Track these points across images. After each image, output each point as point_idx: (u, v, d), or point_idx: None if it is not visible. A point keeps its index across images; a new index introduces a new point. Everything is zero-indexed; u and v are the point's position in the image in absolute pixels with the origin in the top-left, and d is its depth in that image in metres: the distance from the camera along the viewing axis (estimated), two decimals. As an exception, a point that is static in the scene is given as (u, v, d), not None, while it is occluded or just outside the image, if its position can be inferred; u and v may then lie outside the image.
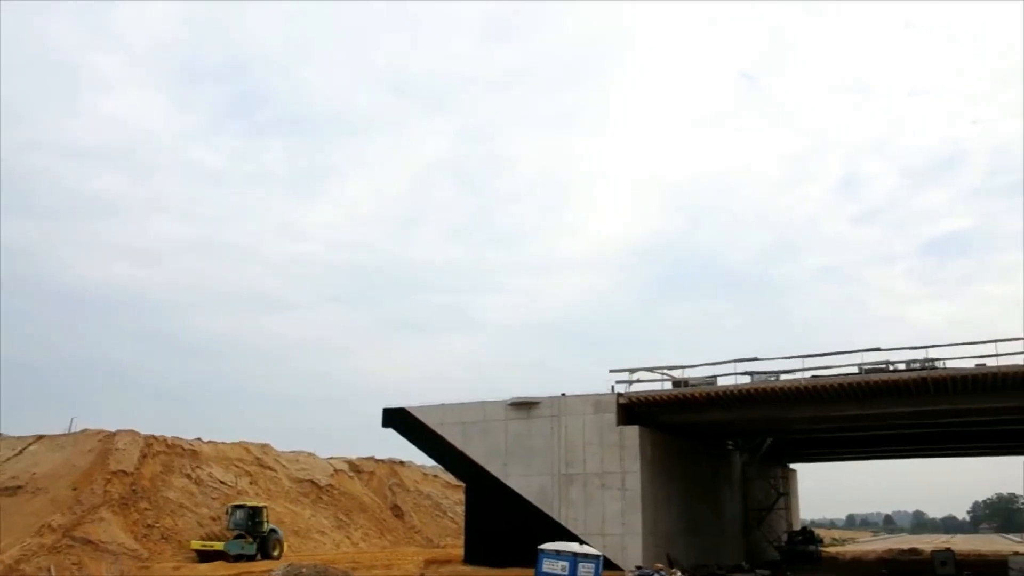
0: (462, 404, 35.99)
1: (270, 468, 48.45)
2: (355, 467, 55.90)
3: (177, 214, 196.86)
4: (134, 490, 38.64)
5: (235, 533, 35.90)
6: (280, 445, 52.05)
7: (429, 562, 35.80)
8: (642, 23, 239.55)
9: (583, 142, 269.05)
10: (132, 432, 41.73)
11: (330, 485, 51.14)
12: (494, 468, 34.82)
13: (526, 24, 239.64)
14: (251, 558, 35.23)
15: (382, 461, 58.37)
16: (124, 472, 39.04)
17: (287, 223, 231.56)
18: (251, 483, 45.77)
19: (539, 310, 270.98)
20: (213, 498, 42.17)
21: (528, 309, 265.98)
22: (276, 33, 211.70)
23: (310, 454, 53.69)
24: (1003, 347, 29.32)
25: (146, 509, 38.21)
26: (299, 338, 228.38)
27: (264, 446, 50.20)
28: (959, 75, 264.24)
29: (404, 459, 60.09)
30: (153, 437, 42.52)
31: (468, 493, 37.20)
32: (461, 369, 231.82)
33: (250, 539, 36.04)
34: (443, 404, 36.27)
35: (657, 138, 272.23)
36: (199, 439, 45.92)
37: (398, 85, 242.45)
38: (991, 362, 29.50)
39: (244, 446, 48.52)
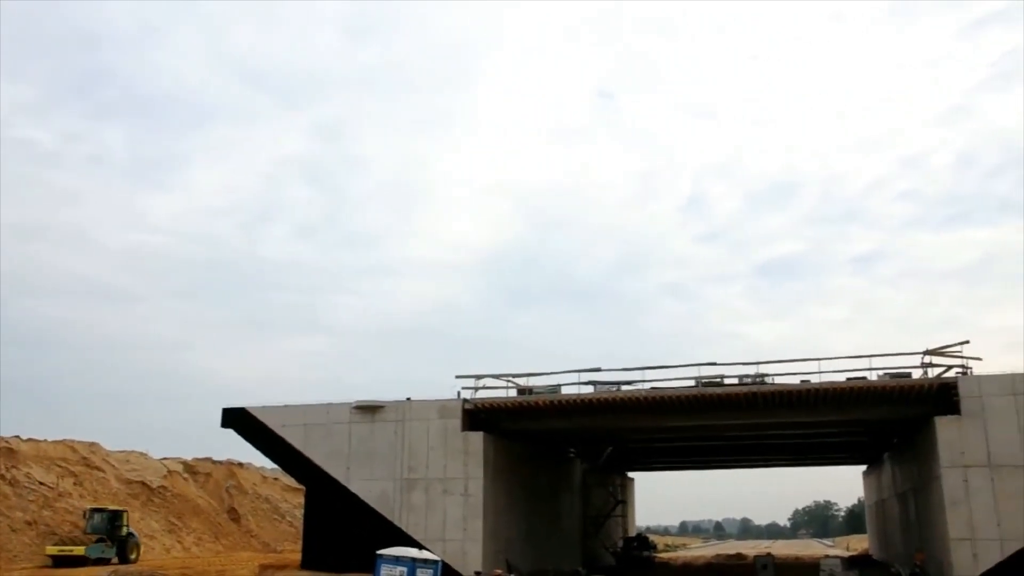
0: (305, 406, 35.23)
1: (97, 468, 45.89)
2: (190, 468, 53.73)
3: (3, 196, 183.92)
4: (-63, 492, 35.76)
5: (96, 537, 35.41)
6: (111, 444, 49.56)
7: (265, 567, 34.82)
8: (506, 33, 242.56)
9: (440, 146, 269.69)
10: (-61, 428, 38.61)
11: (162, 487, 48.92)
12: (336, 472, 34.25)
13: (388, 24, 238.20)
14: (108, 562, 34.60)
15: (219, 462, 56.33)
16: (-74, 472, 36.08)
17: (129, 212, 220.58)
18: (75, 484, 43.18)
19: (390, 313, 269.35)
20: (30, 500, 39.52)
21: (379, 312, 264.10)
22: (125, 10, 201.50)
23: (142, 454, 51.24)
24: (825, 365, 31.37)
25: (-50, 513, 35.43)
26: (138, 332, 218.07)
27: (92, 445, 47.48)
28: (799, 108, 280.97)
29: (244, 460, 58.32)
30: (-36, 434, 39.47)
31: (308, 497, 36.42)
32: (308, 370, 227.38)
33: (110, 543, 35.67)
34: (286, 405, 35.40)
35: (514, 146, 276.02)
36: (17, 437, 42.92)
37: (253, 76, 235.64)
38: (814, 379, 31.41)
39: (69, 444, 45.70)
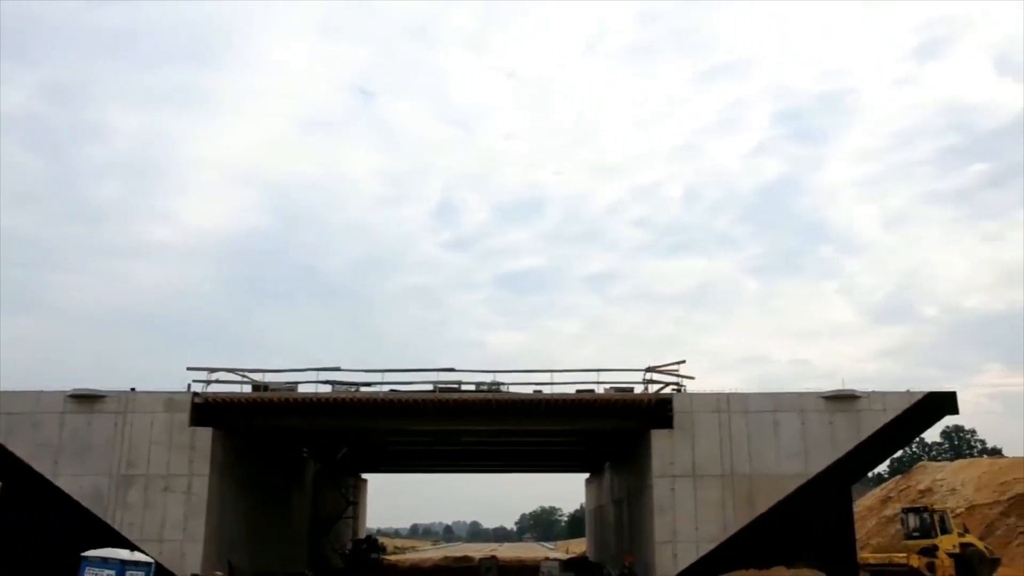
0: (10, 392, 31.94)
1: None
2: None
3: None
4: None
5: None
6: None
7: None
8: (266, 16, 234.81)
9: (186, 125, 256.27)
10: None
11: None
12: (42, 466, 31.32)
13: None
14: None
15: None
16: None
17: None
18: None
19: (121, 297, 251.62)
20: None
21: (108, 294, 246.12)
22: None
23: None
24: (557, 377, 33.03)
25: None
26: None
27: None
28: (549, 128, 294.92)
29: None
30: None
31: (4, 493, 33.04)
32: (20, 354, 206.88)
33: None
34: (-14, 392, 31.99)
35: (266, 133, 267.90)
36: None
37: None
38: (547, 389, 32.98)
39: None
